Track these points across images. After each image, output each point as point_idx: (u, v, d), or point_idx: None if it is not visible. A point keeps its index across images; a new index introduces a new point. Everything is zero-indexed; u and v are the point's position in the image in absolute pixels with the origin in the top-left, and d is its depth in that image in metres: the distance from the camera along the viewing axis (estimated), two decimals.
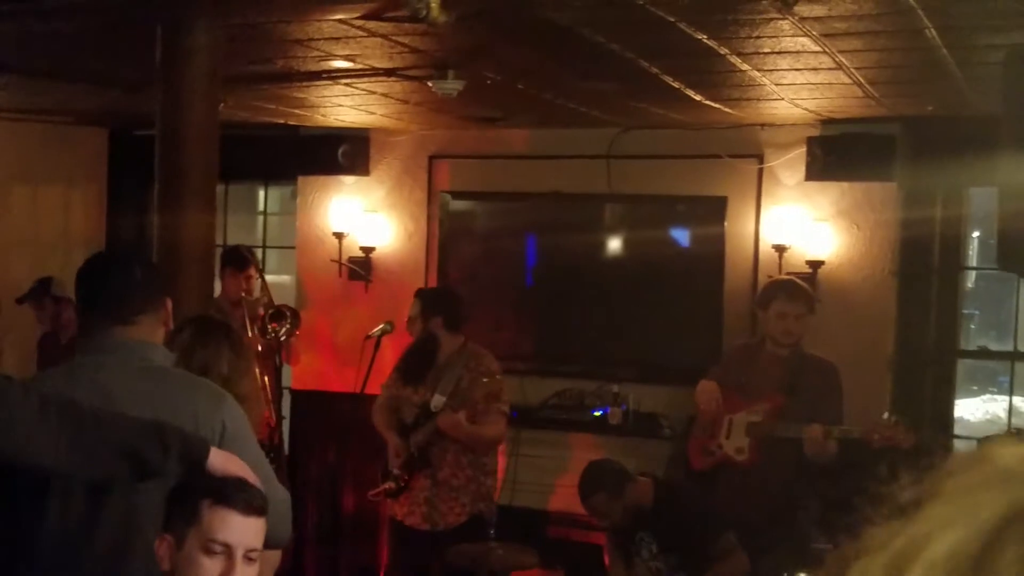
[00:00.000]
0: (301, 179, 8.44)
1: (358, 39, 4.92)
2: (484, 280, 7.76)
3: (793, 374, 5.96)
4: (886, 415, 5.92)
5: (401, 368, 6.42)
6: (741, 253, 7.20)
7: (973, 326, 12.18)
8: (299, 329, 7.71)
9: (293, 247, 8.64)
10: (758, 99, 6.10)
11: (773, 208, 7.11)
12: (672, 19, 4.30)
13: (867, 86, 5.56)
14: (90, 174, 9.06)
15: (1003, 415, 8.15)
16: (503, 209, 8.04)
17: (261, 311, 7.57)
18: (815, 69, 5.19)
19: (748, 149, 7.17)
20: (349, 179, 8.22)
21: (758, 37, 4.60)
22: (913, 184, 6.83)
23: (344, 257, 8.17)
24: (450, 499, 6.16)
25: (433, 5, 3.55)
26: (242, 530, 2.64)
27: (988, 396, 12.17)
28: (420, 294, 6.59)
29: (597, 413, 7.41)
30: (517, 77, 5.79)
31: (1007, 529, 0.79)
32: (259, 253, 8.41)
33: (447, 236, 7.99)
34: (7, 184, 8.52)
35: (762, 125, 7.07)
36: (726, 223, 7.21)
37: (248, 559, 2.65)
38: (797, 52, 4.84)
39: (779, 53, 4.88)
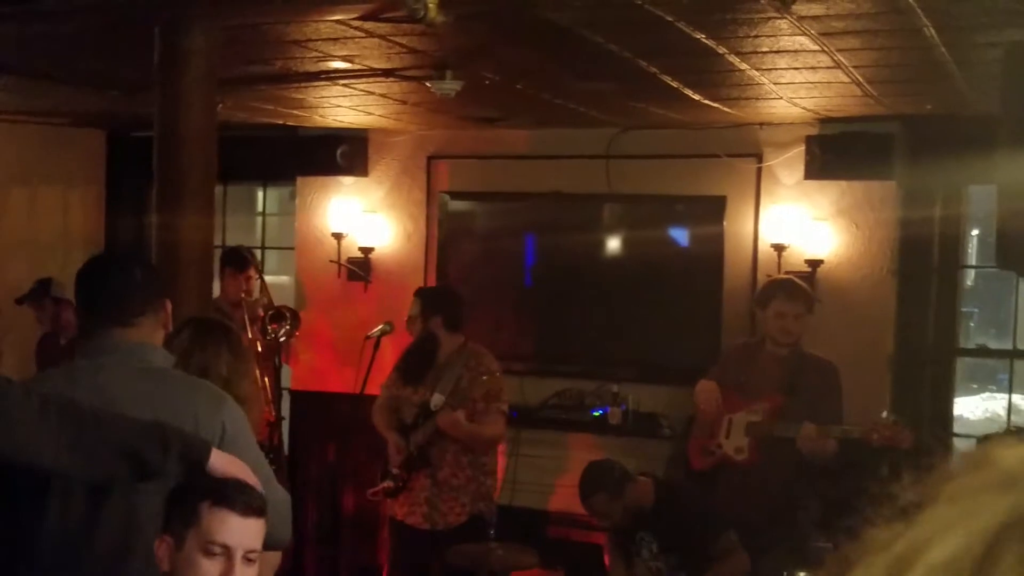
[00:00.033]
0: (300, 180, 8.44)
1: (356, 40, 4.92)
2: (483, 280, 7.75)
3: (792, 374, 5.96)
4: (885, 414, 5.92)
5: (401, 368, 6.42)
6: (740, 252, 7.20)
7: (972, 324, 12.19)
8: (299, 330, 7.72)
9: (292, 248, 8.64)
10: (757, 98, 6.10)
11: (772, 207, 7.11)
12: (670, 18, 4.30)
13: (866, 85, 5.56)
14: (89, 176, 9.06)
15: (1003, 413, 8.15)
16: (502, 209, 8.04)
17: (261, 312, 7.58)
18: (813, 68, 5.19)
19: (747, 148, 7.17)
20: (348, 180, 8.22)
21: (756, 36, 4.60)
22: (912, 183, 6.83)
23: (343, 258, 8.17)
24: (450, 499, 6.16)
25: (431, 5, 3.55)
26: (241, 531, 2.64)
27: (987, 394, 12.17)
28: (420, 293, 6.60)
29: (597, 413, 7.41)
30: (515, 77, 5.79)
31: (1007, 535, 0.79)
32: (258, 254, 8.41)
33: (446, 236, 7.99)
34: (6, 186, 8.52)
35: (761, 124, 7.07)
36: (725, 222, 7.21)
37: (247, 560, 2.65)
38: (795, 51, 4.84)
39: (777, 52, 4.88)
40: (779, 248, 7.00)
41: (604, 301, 7.57)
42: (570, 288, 7.68)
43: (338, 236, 8.15)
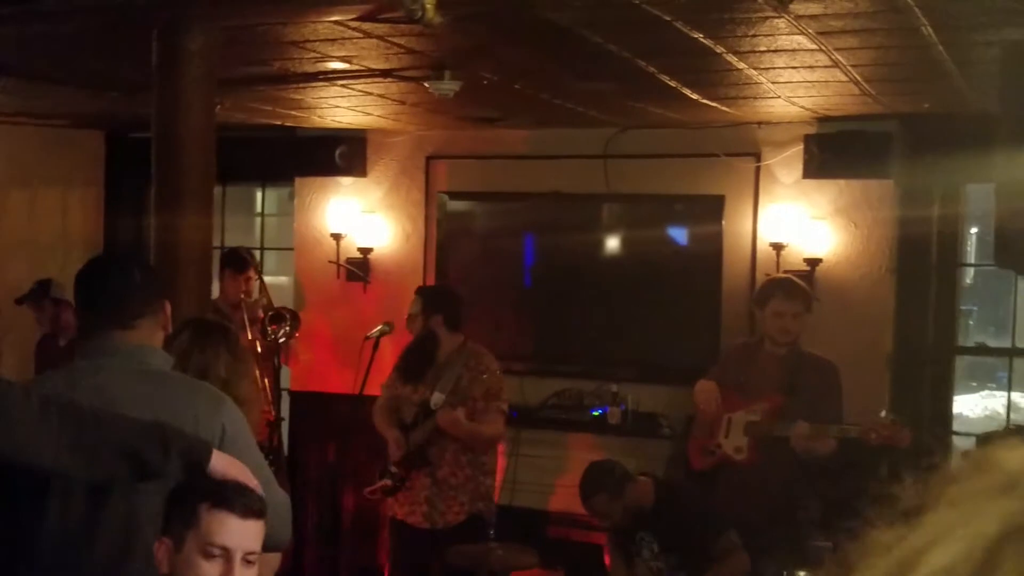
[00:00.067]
0: (298, 180, 8.44)
1: (354, 40, 4.92)
2: (482, 280, 7.75)
3: (791, 373, 5.96)
4: (883, 413, 5.93)
5: (401, 366, 6.43)
6: (739, 252, 7.20)
7: (972, 322, 12.18)
8: (298, 331, 7.73)
9: (291, 248, 8.64)
10: (755, 97, 6.10)
11: (770, 206, 7.11)
12: (668, 18, 4.30)
13: (863, 84, 5.56)
14: (87, 177, 9.06)
15: (1002, 411, 8.16)
16: (501, 209, 8.04)
17: (260, 313, 7.58)
18: (811, 67, 5.19)
19: (745, 147, 7.17)
20: (346, 180, 8.22)
21: (754, 36, 4.60)
22: (910, 181, 6.83)
23: (342, 258, 8.17)
24: (449, 498, 6.17)
25: (428, 6, 3.55)
26: (240, 533, 2.64)
27: (987, 392, 12.17)
28: (421, 292, 6.61)
29: (596, 413, 7.41)
30: (514, 77, 5.79)
31: (1008, 542, 0.79)
32: (257, 254, 8.40)
33: (445, 236, 7.99)
34: (5, 187, 8.52)
35: (759, 123, 7.07)
36: (724, 222, 7.21)
37: (247, 562, 2.65)
38: (793, 50, 4.84)
39: (775, 51, 4.88)
40: (778, 247, 7.00)
41: (603, 301, 7.57)
42: (569, 288, 7.68)
43: (337, 237, 8.15)
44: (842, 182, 6.95)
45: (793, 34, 4.52)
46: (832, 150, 6.84)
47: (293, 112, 7.28)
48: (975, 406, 11.73)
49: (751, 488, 5.87)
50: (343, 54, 5.26)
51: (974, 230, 8.34)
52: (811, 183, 7.01)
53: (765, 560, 5.33)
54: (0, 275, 8.30)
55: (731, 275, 7.19)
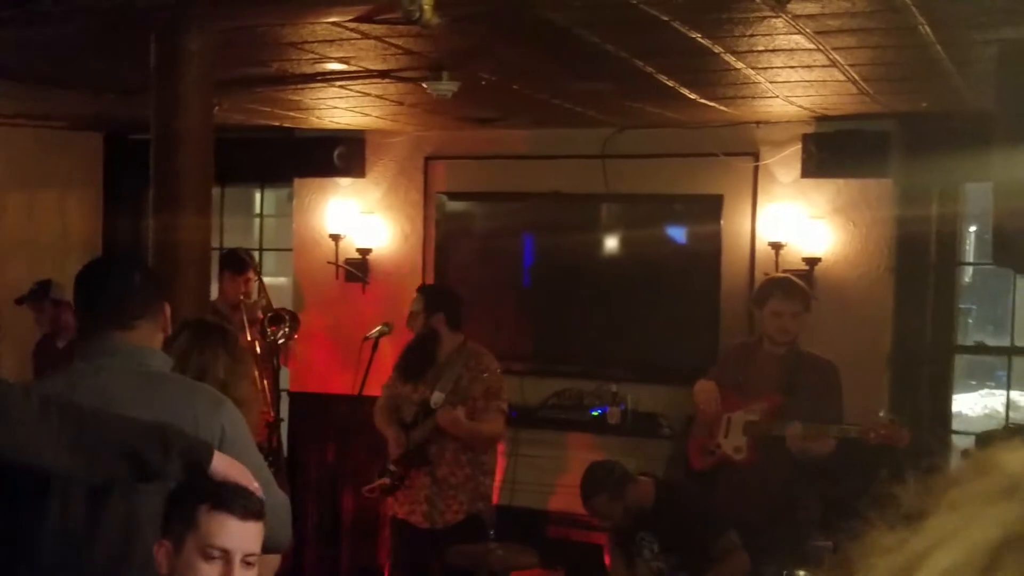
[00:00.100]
0: (297, 181, 8.44)
1: (352, 41, 4.92)
2: (481, 281, 7.76)
3: (791, 373, 5.96)
4: (882, 413, 5.93)
5: (401, 365, 6.43)
6: (737, 251, 7.20)
7: (971, 321, 12.18)
8: (297, 332, 7.73)
9: (290, 249, 8.64)
10: (753, 97, 6.10)
11: (769, 206, 7.12)
12: (666, 18, 4.30)
13: (861, 83, 5.57)
14: (86, 178, 9.06)
15: (1001, 409, 8.16)
16: (499, 209, 8.04)
17: (260, 314, 7.58)
18: (809, 67, 5.19)
19: (743, 147, 7.17)
20: (345, 181, 8.22)
21: (752, 35, 4.60)
22: (908, 180, 6.83)
23: (341, 259, 8.17)
24: (449, 497, 6.18)
25: (426, 7, 3.55)
26: (240, 535, 2.64)
27: (986, 391, 12.17)
28: (423, 290, 6.61)
29: (596, 413, 7.41)
30: (512, 78, 5.79)
31: (1009, 548, 0.79)
32: (256, 255, 8.41)
33: (444, 237, 7.99)
34: (3, 188, 8.52)
35: (757, 123, 7.08)
36: (722, 221, 7.21)
37: (246, 563, 2.65)
38: (791, 50, 4.84)
39: (773, 51, 4.89)
40: (776, 246, 7.00)
41: (602, 301, 7.57)
42: (568, 288, 7.68)
43: (336, 237, 8.15)
44: (840, 181, 6.95)
45: (791, 34, 4.52)
46: (830, 149, 6.85)
47: (291, 113, 7.28)
48: (974, 405, 11.73)
49: (751, 488, 5.87)
50: (341, 55, 5.26)
51: (973, 228, 8.35)
52: (809, 182, 7.01)
53: (765, 560, 5.33)
54: None
55: (730, 275, 7.19)
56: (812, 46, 4.73)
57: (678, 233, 7.57)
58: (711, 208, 7.24)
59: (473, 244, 8.05)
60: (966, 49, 4.79)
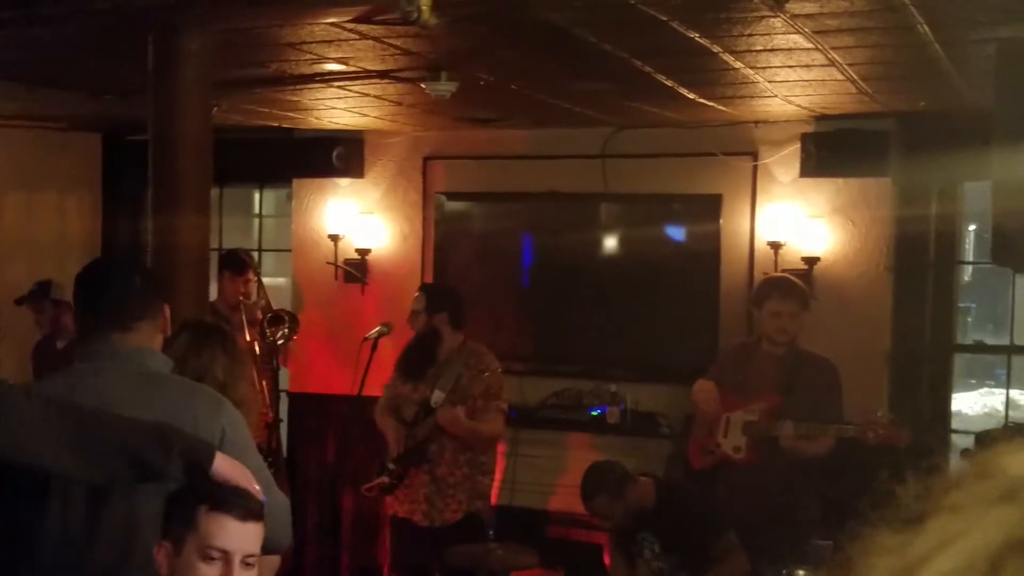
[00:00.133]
0: (296, 182, 8.44)
1: (350, 42, 4.92)
2: (481, 280, 7.75)
3: (790, 373, 5.96)
4: (880, 413, 5.93)
5: (401, 363, 6.43)
6: (737, 251, 7.20)
7: (970, 319, 12.18)
8: (297, 334, 7.74)
9: (289, 250, 8.64)
10: (751, 96, 6.10)
11: (768, 205, 7.12)
12: (664, 18, 4.30)
13: (860, 82, 5.57)
14: (85, 179, 9.06)
15: (1001, 408, 8.17)
16: (498, 209, 8.05)
17: (259, 315, 7.59)
18: (808, 66, 5.19)
19: (742, 147, 7.17)
20: (344, 181, 8.22)
21: (750, 35, 4.60)
22: (907, 180, 6.83)
23: (340, 259, 8.17)
24: (447, 496, 6.18)
25: (424, 8, 3.55)
26: (239, 536, 2.64)
27: (986, 389, 12.18)
28: (426, 289, 6.61)
29: (595, 413, 7.41)
30: (510, 78, 5.79)
31: (1011, 553, 0.78)
32: (255, 256, 8.41)
33: (443, 237, 7.99)
34: (2, 189, 8.52)
35: (756, 122, 7.08)
36: (721, 221, 7.21)
37: (246, 564, 2.65)
38: (789, 49, 4.84)
39: (771, 51, 4.89)
40: (775, 246, 7.00)
41: (601, 301, 7.57)
42: (567, 288, 7.68)
43: (335, 238, 8.15)
44: (839, 180, 6.95)
45: (789, 33, 4.52)
46: (829, 149, 6.84)
47: (290, 114, 7.28)
48: (974, 403, 11.74)
49: (751, 488, 5.88)
50: (339, 55, 5.26)
51: (972, 227, 8.35)
52: (808, 182, 7.01)
53: (765, 560, 5.33)
54: None
55: (729, 274, 7.19)
56: (810, 45, 4.73)
57: (677, 233, 7.57)
58: (710, 208, 7.25)
59: (472, 244, 8.05)
60: (965, 48, 4.79)
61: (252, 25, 4.78)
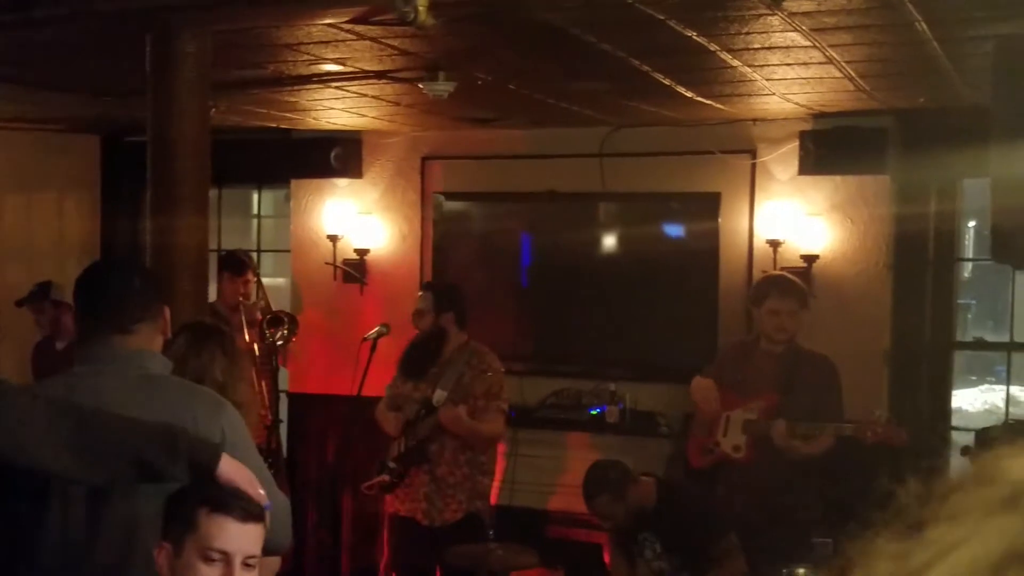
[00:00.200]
0: (294, 182, 8.43)
1: (348, 42, 4.92)
2: (479, 280, 7.74)
3: (789, 371, 5.96)
4: (878, 412, 5.92)
5: (404, 361, 6.43)
6: (735, 249, 7.20)
7: (970, 316, 12.20)
8: (296, 335, 7.74)
9: (288, 250, 8.64)
10: (749, 95, 6.10)
11: (766, 203, 7.12)
12: (662, 17, 4.30)
13: (858, 80, 5.57)
14: (84, 181, 9.06)
15: (1001, 405, 8.18)
16: (497, 209, 8.05)
17: (259, 315, 7.59)
18: (805, 64, 5.19)
19: (740, 145, 7.17)
20: (342, 182, 8.22)
21: (748, 33, 4.60)
22: (906, 177, 6.83)
23: (339, 260, 8.17)
24: (447, 496, 6.19)
25: (420, 8, 3.55)
26: (240, 537, 2.63)
27: (986, 386, 12.20)
28: (431, 288, 6.59)
29: (594, 412, 7.41)
30: (508, 78, 5.79)
31: (1010, 566, 0.78)
32: (254, 256, 8.41)
33: (441, 237, 7.99)
34: (1, 191, 8.53)
35: (754, 120, 7.08)
36: (720, 219, 7.21)
37: (247, 566, 2.65)
38: (787, 47, 4.84)
39: (769, 48, 4.88)
40: (774, 244, 7.00)
41: (600, 300, 7.57)
42: (566, 287, 7.68)
43: (333, 238, 8.15)
44: (838, 178, 6.95)
45: (786, 31, 4.52)
46: (828, 146, 6.84)
47: (288, 114, 7.28)
48: (974, 400, 11.76)
49: (751, 487, 5.88)
50: (337, 56, 5.26)
51: (971, 224, 8.36)
52: (807, 179, 7.01)
53: (765, 559, 5.32)
54: None
55: (728, 272, 7.19)
56: (808, 43, 4.73)
57: (676, 231, 7.58)
58: (709, 206, 7.24)
59: (471, 244, 8.04)
60: (962, 45, 4.79)
61: (250, 26, 4.78)
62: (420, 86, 5.65)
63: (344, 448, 7.92)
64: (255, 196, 9.39)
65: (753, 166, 7.16)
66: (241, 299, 7.46)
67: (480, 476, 6.28)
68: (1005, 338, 7.45)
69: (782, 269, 6.73)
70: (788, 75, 5.49)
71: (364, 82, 5.91)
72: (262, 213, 9.44)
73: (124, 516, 2.91)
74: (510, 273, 7.95)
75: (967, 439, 6.87)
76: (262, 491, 2.77)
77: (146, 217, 4.83)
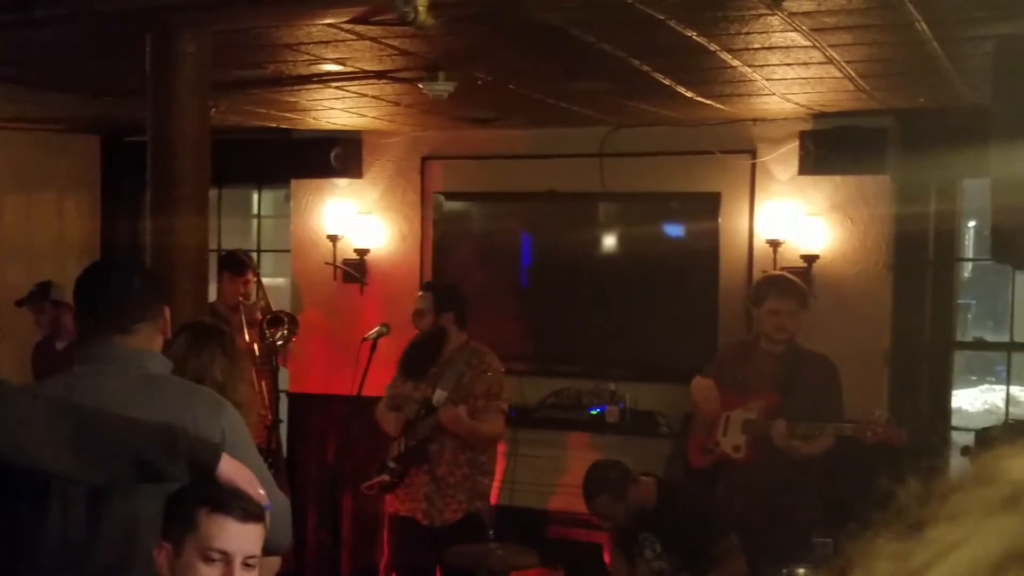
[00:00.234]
0: (294, 182, 8.43)
1: (347, 42, 4.92)
2: (479, 280, 7.74)
3: (789, 371, 5.96)
4: (878, 412, 5.92)
5: (404, 362, 6.43)
6: (735, 249, 7.20)
7: (970, 316, 12.20)
8: (296, 335, 7.74)
9: (287, 250, 8.64)
10: (749, 95, 6.10)
11: (766, 203, 7.12)
12: (661, 17, 4.30)
13: (858, 80, 5.57)
14: (84, 180, 9.06)
15: (1001, 405, 8.18)
16: (497, 209, 8.05)
17: (259, 315, 7.59)
18: (805, 64, 5.19)
19: (740, 145, 7.17)
20: (342, 182, 8.22)
21: (748, 33, 4.60)
22: (906, 177, 6.83)
23: (339, 260, 8.17)
24: (447, 496, 6.19)
25: (420, 8, 3.55)
26: (240, 537, 2.63)
27: (986, 386, 12.20)
28: (431, 288, 6.59)
29: (594, 412, 7.41)
30: (508, 78, 5.79)
31: (1009, 567, 0.78)
32: (254, 256, 8.41)
33: (441, 237, 7.99)
34: (1, 192, 8.53)
35: (754, 120, 7.08)
36: (720, 219, 7.21)
37: (247, 566, 2.65)
38: (787, 47, 4.84)
39: (769, 48, 4.88)
40: (774, 244, 7.00)
41: (600, 300, 7.57)
42: (566, 287, 7.68)
43: (333, 238, 8.15)
44: (838, 178, 6.94)
45: (786, 31, 4.52)
46: (828, 146, 6.84)
47: (288, 114, 7.28)
48: (974, 400, 11.76)
49: (751, 487, 5.88)
50: (337, 56, 5.26)
51: (971, 224, 8.35)
52: (807, 179, 7.01)
53: (766, 559, 5.33)
54: None
55: (728, 272, 7.19)
56: (808, 43, 4.73)
57: (676, 231, 7.58)
58: (708, 206, 7.24)
59: (471, 244, 8.04)
60: (962, 45, 4.79)
61: (250, 26, 4.78)
62: (420, 86, 5.65)
63: (344, 448, 7.92)
64: (255, 196, 9.39)
65: (753, 166, 7.16)
66: (241, 299, 7.46)
67: (480, 476, 6.28)
68: (1005, 338, 7.45)
69: (782, 269, 6.73)
70: (788, 75, 5.49)
71: (364, 82, 5.91)
72: (262, 213, 9.44)
73: (124, 516, 2.91)
74: (510, 273, 7.95)
75: (967, 439, 6.87)
76: (262, 491, 2.77)
77: (146, 217, 4.83)
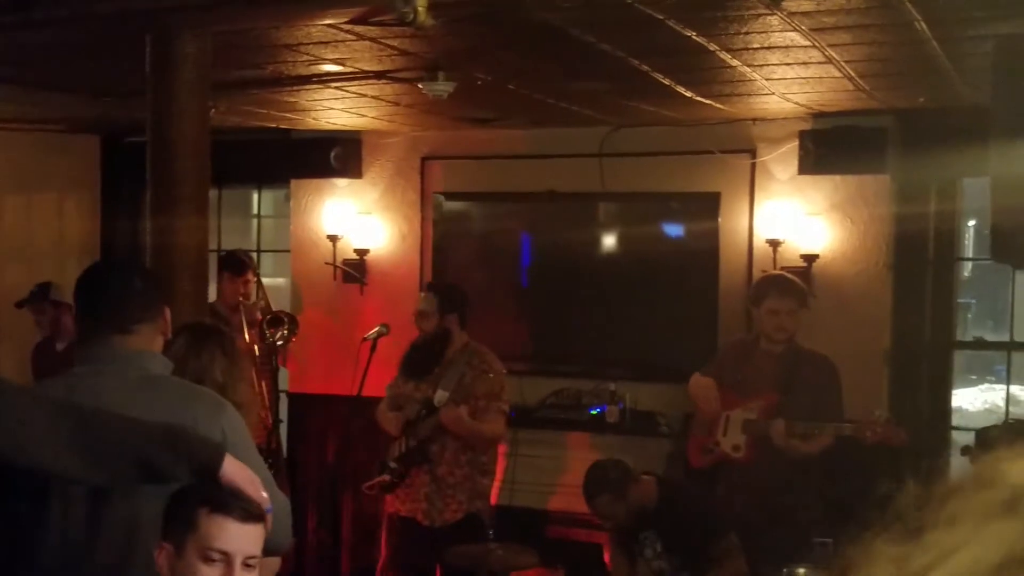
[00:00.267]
0: (294, 182, 8.43)
1: (347, 43, 4.92)
2: (479, 281, 7.74)
3: (788, 371, 5.97)
4: (878, 412, 5.92)
5: (406, 362, 6.43)
6: (735, 249, 7.20)
7: (970, 315, 12.19)
8: (296, 335, 7.74)
9: (287, 250, 8.64)
10: (749, 94, 6.10)
11: (766, 203, 7.12)
12: (661, 17, 4.30)
13: (857, 79, 5.57)
14: (84, 181, 9.07)
15: (1001, 404, 8.17)
16: (497, 209, 8.05)
17: (259, 315, 7.59)
18: (805, 63, 5.19)
19: (740, 144, 7.17)
20: (342, 182, 8.22)
21: (747, 33, 4.60)
22: (906, 176, 6.83)
23: (338, 260, 8.17)
24: (447, 496, 6.19)
25: (420, 8, 3.55)
26: (240, 538, 2.63)
27: (986, 385, 12.19)
28: (435, 289, 6.58)
29: (594, 412, 7.41)
30: (508, 78, 5.79)
31: (1008, 570, 0.78)
32: (253, 256, 8.41)
33: (441, 237, 7.99)
34: (1, 192, 8.53)
35: (754, 120, 7.07)
36: (720, 219, 7.21)
37: (247, 566, 2.65)
38: (786, 47, 4.84)
39: (768, 48, 4.89)
40: (774, 244, 7.00)
41: (600, 300, 7.57)
42: (566, 287, 7.68)
43: (333, 238, 8.15)
44: (838, 178, 6.94)
45: (786, 31, 4.52)
46: (827, 146, 6.83)
47: (288, 115, 7.29)
48: (974, 400, 11.75)
49: (751, 487, 5.88)
50: (336, 56, 5.26)
51: (972, 223, 8.35)
52: (807, 179, 7.01)
53: (766, 559, 5.33)
54: None
55: (728, 272, 7.19)
56: (807, 43, 4.73)
57: (675, 231, 7.58)
58: (708, 206, 7.24)
59: (471, 244, 8.04)
60: (962, 45, 4.79)
61: (250, 27, 4.78)
62: (420, 86, 5.65)
63: (344, 448, 7.92)
64: (255, 196, 9.39)
65: (753, 166, 7.16)
66: (241, 299, 7.46)
67: (480, 476, 6.28)
68: (1005, 338, 7.45)
69: (782, 269, 6.73)
70: (788, 75, 5.49)
71: (364, 82, 5.91)
72: (262, 213, 9.44)
73: (124, 516, 2.91)
74: (510, 273, 7.95)
75: (967, 439, 6.87)
76: (264, 493, 2.76)
77: (146, 217, 4.83)
